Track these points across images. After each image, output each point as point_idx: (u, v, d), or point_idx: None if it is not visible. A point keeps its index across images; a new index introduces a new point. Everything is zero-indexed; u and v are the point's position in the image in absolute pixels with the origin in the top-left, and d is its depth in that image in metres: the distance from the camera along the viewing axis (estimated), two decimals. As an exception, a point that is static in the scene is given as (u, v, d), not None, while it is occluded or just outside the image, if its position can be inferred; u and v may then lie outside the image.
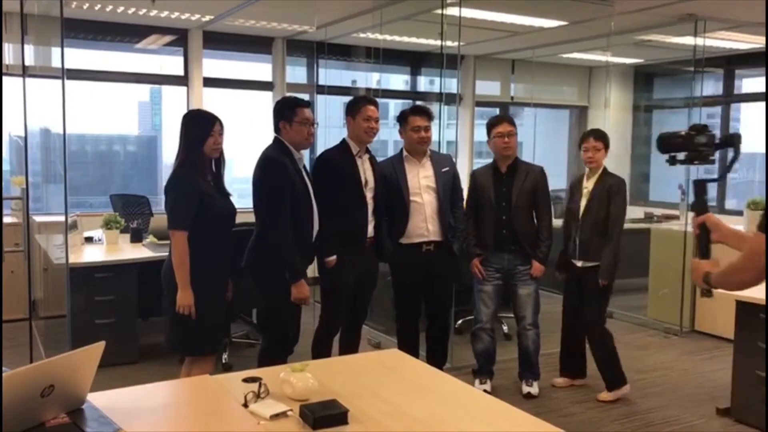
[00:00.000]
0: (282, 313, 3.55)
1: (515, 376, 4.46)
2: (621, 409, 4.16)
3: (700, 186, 2.25)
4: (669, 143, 2.29)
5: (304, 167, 3.66)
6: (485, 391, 4.12)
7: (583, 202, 4.26)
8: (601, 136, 4.25)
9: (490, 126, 4.25)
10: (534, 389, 4.32)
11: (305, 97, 7.62)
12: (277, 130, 3.58)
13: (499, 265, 4.25)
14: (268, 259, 3.47)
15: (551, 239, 4.25)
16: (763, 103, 6.65)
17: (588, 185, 4.26)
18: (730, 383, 4.03)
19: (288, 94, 3.74)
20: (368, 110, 3.83)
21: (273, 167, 3.45)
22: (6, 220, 4.15)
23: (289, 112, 3.52)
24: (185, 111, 6.90)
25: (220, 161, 3.38)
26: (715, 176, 4.81)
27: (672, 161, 2.33)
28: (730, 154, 2.21)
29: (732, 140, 2.22)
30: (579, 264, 4.25)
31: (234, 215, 3.41)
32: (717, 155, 2.24)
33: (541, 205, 4.25)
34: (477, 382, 4.34)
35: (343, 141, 3.94)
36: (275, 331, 3.59)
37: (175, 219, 3.21)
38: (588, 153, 4.22)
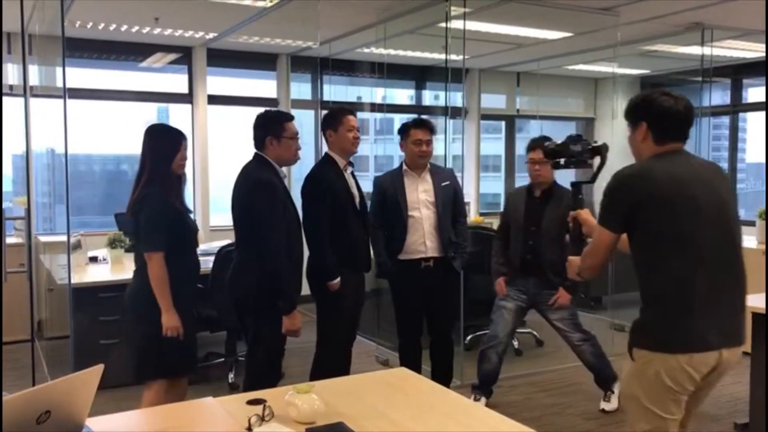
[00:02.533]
0: (273, 344, 3.39)
1: (527, 392, 4.37)
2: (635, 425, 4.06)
3: (576, 187, 2.72)
4: (551, 152, 2.80)
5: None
6: None
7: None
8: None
9: (527, 149, 4.18)
10: (611, 405, 4.18)
11: (310, 113, 7.63)
12: (260, 146, 3.37)
13: (525, 288, 4.20)
14: (260, 288, 3.27)
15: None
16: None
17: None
18: (746, 397, 3.94)
19: (269, 108, 3.59)
20: (350, 120, 3.70)
21: (268, 191, 3.24)
22: (10, 240, 4.12)
23: (278, 128, 3.34)
24: (190, 129, 6.96)
25: (181, 179, 3.25)
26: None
27: (555, 166, 2.85)
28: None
29: (599, 150, 2.70)
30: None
31: (197, 233, 3.32)
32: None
33: None
34: (472, 397, 4.25)
35: (327, 156, 3.77)
36: (265, 360, 3.41)
37: (150, 240, 3.07)
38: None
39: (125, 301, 3.24)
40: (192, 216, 3.31)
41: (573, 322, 4.20)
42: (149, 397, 3.22)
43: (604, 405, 4.21)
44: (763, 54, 6.76)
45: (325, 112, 3.82)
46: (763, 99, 7.03)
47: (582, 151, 2.73)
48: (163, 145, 3.15)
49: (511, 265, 4.22)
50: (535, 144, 4.10)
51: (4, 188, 6.88)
